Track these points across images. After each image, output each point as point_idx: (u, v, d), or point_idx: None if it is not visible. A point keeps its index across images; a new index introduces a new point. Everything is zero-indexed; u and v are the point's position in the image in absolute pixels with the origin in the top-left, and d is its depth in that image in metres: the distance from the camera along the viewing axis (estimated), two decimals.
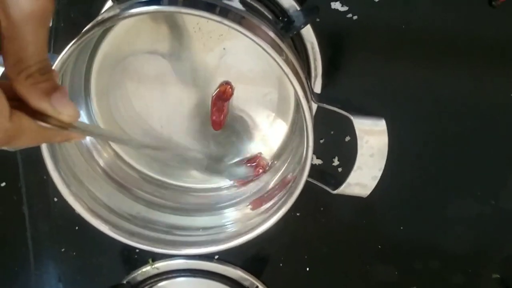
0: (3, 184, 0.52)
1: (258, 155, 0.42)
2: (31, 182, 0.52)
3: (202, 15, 0.30)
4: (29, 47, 0.23)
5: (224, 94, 0.40)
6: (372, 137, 0.33)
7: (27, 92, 0.23)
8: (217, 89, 0.40)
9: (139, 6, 0.30)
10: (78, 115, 0.25)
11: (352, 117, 0.33)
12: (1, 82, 0.23)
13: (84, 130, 0.27)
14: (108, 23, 0.29)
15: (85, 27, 0.42)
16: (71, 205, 0.35)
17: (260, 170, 0.42)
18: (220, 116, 0.40)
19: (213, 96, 0.40)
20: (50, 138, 0.26)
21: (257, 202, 0.40)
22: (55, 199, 0.51)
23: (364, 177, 0.34)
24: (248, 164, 0.42)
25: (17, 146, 0.24)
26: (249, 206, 0.41)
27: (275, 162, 0.42)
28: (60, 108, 0.24)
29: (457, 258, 0.51)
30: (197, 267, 0.52)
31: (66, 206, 0.47)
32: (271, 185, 0.40)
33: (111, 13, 0.30)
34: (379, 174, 0.34)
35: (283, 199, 0.36)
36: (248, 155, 0.42)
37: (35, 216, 0.54)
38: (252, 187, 0.43)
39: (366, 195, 0.35)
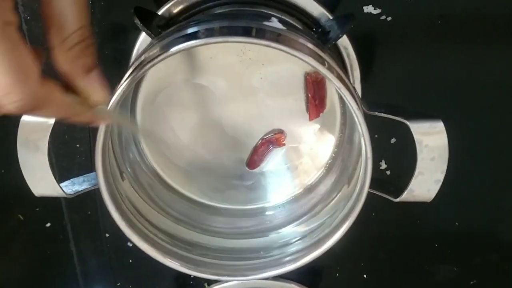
0: (48, 224, 0.53)
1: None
2: (76, 220, 0.52)
3: (242, 41, 0.30)
4: (69, 11, 0.22)
5: (276, 141, 0.40)
6: (431, 141, 0.32)
7: (65, 64, 0.23)
8: (271, 134, 0.40)
9: (183, 41, 0.30)
10: (108, 100, 0.24)
11: (408, 122, 0.32)
12: (34, 47, 0.23)
13: (111, 116, 0.26)
14: (157, 62, 0.29)
15: (121, 63, 0.42)
16: (136, 243, 0.35)
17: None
18: (260, 159, 0.40)
19: (264, 138, 0.40)
20: (75, 115, 0.25)
21: None
22: (107, 235, 0.51)
23: (426, 182, 0.33)
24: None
25: (40, 114, 0.23)
26: None
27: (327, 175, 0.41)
28: (94, 89, 0.23)
29: None
30: (253, 286, 0.52)
31: (118, 241, 0.47)
32: (327, 199, 0.40)
33: (156, 51, 0.30)
34: (442, 177, 0.33)
35: (345, 213, 0.35)
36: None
37: (83, 253, 0.54)
38: (305, 202, 0.42)
39: (430, 200, 0.35)
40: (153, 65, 0.30)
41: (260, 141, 0.41)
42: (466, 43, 0.42)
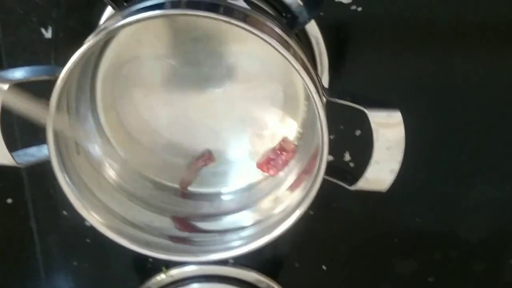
0: (10, 200, 0.52)
1: (283, 139, 0.41)
2: (38, 196, 0.51)
3: (207, 16, 0.29)
4: None
5: (206, 161, 0.41)
6: (388, 130, 0.32)
7: None
8: (199, 156, 0.41)
9: (142, 12, 0.29)
10: None
11: (366, 110, 0.32)
12: None
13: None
14: (113, 31, 0.29)
15: (85, 36, 0.41)
16: (86, 218, 0.34)
17: (290, 154, 0.41)
18: (191, 178, 0.41)
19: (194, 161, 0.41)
20: None
21: None
22: (65, 213, 0.50)
23: (381, 171, 0.33)
24: (278, 153, 0.41)
25: None
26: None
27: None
28: None
29: (476, 246, 0.51)
30: (212, 273, 0.52)
31: (76, 219, 0.46)
32: (286, 185, 0.40)
33: (114, 21, 0.30)
34: (397, 167, 0.33)
35: (299, 199, 0.35)
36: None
37: (44, 231, 0.53)
38: (265, 186, 0.42)
39: (385, 190, 0.35)
40: (111, 33, 0.29)
41: (190, 163, 0.41)
42: (434, 35, 0.42)
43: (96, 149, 0.38)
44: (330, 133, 0.46)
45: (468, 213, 0.50)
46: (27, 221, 0.53)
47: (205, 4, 0.30)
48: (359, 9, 0.41)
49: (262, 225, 0.37)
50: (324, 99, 0.34)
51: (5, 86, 0.31)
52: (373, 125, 0.32)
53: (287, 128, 0.41)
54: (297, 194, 0.38)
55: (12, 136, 0.46)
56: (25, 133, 0.46)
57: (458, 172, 0.48)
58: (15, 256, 0.55)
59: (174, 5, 0.29)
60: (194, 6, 0.30)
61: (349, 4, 0.41)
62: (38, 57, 0.44)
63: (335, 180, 0.35)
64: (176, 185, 0.42)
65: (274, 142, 0.42)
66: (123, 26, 0.29)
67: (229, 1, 0.32)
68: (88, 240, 0.51)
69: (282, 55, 0.30)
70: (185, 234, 0.38)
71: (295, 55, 0.32)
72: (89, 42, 0.29)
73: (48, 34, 0.43)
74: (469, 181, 0.48)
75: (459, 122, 0.45)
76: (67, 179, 0.33)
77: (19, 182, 0.50)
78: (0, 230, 0.54)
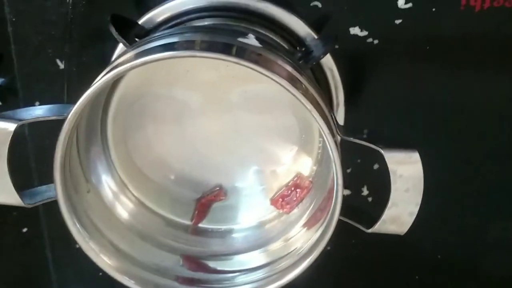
0: (25, 229, 0.52)
1: (297, 175, 0.40)
2: (53, 226, 0.51)
3: (218, 58, 0.29)
4: None
5: (215, 197, 0.40)
6: (406, 171, 0.31)
7: None
8: (209, 192, 0.41)
9: (153, 53, 0.29)
10: None
11: (382, 151, 0.31)
12: None
13: None
14: (122, 72, 0.28)
15: (97, 70, 0.41)
16: (94, 261, 0.34)
17: (305, 191, 0.40)
18: (202, 215, 0.40)
19: (204, 197, 0.41)
20: None
21: None
22: (77, 246, 0.50)
23: (400, 213, 0.32)
24: (292, 189, 0.40)
25: None
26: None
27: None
28: None
29: (498, 283, 0.49)
30: None
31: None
32: (301, 223, 0.38)
33: (124, 60, 0.29)
34: (416, 209, 0.32)
35: (313, 241, 0.34)
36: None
37: (59, 260, 0.53)
38: (278, 224, 0.41)
39: (403, 233, 0.33)
40: (121, 74, 0.29)
41: (201, 199, 0.40)
42: (453, 68, 0.41)
43: (107, 188, 0.38)
44: (347, 166, 0.45)
45: (489, 249, 0.48)
46: (43, 251, 0.52)
47: (217, 45, 0.29)
48: (376, 41, 0.40)
49: (274, 269, 0.35)
50: (339, 138, 0.32)
51: (13, 127, 0.31)
52: (390, 166, 0.31)
53: (302, 164, 0.40)
54: (311, 233, 0.37)
55: (29, 173, 0.46)
56: (42, 170, 0.46)
57: (478, 208, 0.46)
58: (30, 285, 0.55)
59: (186, 47, 0.29)
60: (206, 47, 0.29)
61: (365, 37, 0.40)
62: (53, 87, 0.44)
63: (351, 222, 0.34)
64: (187, 222, 0.41)
65: (288, 178, 0.40)
66: (133, 67, 0.28)
67: (241, 39, 0.32)
68: (100, 274, 0.51)
69: (293, 95, 0.29)
70: (195, 274, 0.37)
71: (306, 93, 0.31)
72: (98, 83, 0.29)
73: (63, 65, 0.43)
74: (489, 217, 0.47)
75: (478, 157, 0.44)
76: (75, 220, 0.33)
77: (34, 211, 0.50)
78: (15, 259, 0.54)
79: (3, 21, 0.42)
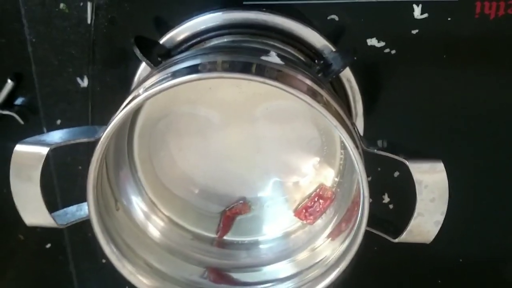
0: (49, 245, 0.53)
1: (320, 186, 0.41)
2: (76, 242, 0.52)
3: (241, 78, 0.30)
4: None
5: (240, 210, 0.41)
6: (431, 181, 0.31)
7: None
8: (234, 204, 0.41)
9: (181, 75, 0.30)
10: None
11: (407, 162, 0.31)
12: None
13: None
14: (151, 95, 0.29)
15: (120, 90, 0.42)
16: (127, 278, 0.35)
17: (328, 201, 0.40)
18: (227, 228, 0.41)
19: (229, 210, 0.41)
20: None
21: None
22: (103, 261, 0.51)
23: (426, 223, 0.32)
24: (316, 200, 0.41)
25: None
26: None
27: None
28: None
29: None
30: None
31: (114, 267, 0.47)
32: (326, 234, 0.39)
33: (154, 82, 0.30)
34: (441, 218, 0.32)
35: (339, 252, 0.35)
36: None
37: (83, 276, 0.53)
38: (303, 235, 0.41)
39: (429, 242, 0.34)
40: (151, 96, 0.30)
41: (225, 212, 0.41)
42: (471, 76, 0.41)
43: (138, 209, 0.39)
44: (367, 175, 0.45)
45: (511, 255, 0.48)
46: (66, 266, 0.53)
47: (237, 65, 0.30)
48: (393, 52, 0.41)
49: (303, 279, 0.36)
50: (362, 150, 0.33)
51: (45, 151, 0.32)
52: (415, 177, 0.31)
53: (324, 175, 0.41)
54: (337, 244, 0.37)
55: (52, 191, 0.47)
56: (65, 188, 0.47)
57: (500, 214, 0.46)
58: None
59: (209, 68, 0.30)
60: (227, 67, 0.30)
61: (382, 48, 0.41)
62: (74, 106, 0.45)
63: (377, 232, 0.34)
64: (213, 235, 0.42)
65: (311, 189, 0.41)
66: (162, 90, 0.29)
67: (264, 57, 0.32)
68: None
69: (316, 109, 0.30)
70: (219, 287, 0.38)
71: (328, 106, 0.31)
72: (130, 105, 0.30)
73: (84, 83, 0.44)
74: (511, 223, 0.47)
75: (500, 164, 0.44)
76: (108, 238, 0.33)
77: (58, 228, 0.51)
78: (39, 274, 0.55)
79: (23, 42, 0.43)
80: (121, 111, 0.31)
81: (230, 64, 0.31)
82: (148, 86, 0.31)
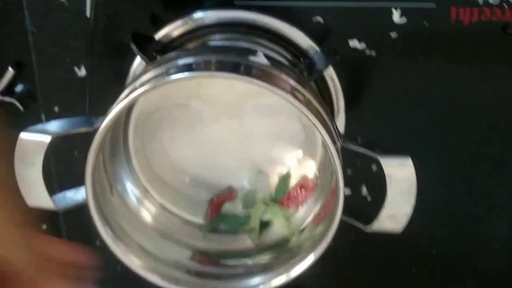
0: (44, 226, 0.54)
1: (302, 178, 0.43)
2: (72, 224, 0.53)
3: (230, 77, 0.32)
4: None
5: (227, 197, 0.43)
6: (400, 176, 0.34)
7: None
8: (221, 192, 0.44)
9: (176, 72, 0.32)
10: None
11: (379, 158, 0.34)
12: None
13: None
14: (147, 92, 0.31)
15: (117, 81, 0.44)
16: (121, 259, 0.37)
17: (309, 191, 0.43)
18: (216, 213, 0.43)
19: (216, 198, 0.44)
20: None
21: None
22: (97, 243, 0.53)
23: (395, 214, 0.35)
24: (298, 190, 0.43)
25: None
26: None
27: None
28: None
29: (493, 278, 0.51)
30: None
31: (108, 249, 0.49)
32: (309, 220, 0.42)
33: (151, 77, 0.32)
34: (410, 210, 0.35)
35: (317, 237, 0.37)
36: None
37: None
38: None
39: (399, 231, 0.36)
40: (148, 92, 0.32)
41: (213, 200, 0.44)
42: (446, 77, 0.43)
43: (132, 194, 0.41)
44: (347, 168, 0.48)
45: (485, 245, 0.50)
46: None
47: (229, 65, 0.33)
48: (373, 53, 0.43)
49: (271, 271, 0.38)
50: (339, 145, 0.36)
51: (48, 139, 0.34)
52: (386, 172, 0.34)
53: (307, 166, 0.44)
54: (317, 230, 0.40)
55: (49, 175, 0.49)
56: (61, 172, 0.48)
57: (471, 207, 0.49)
58: None
59: (203, 67, 0.32)
60: (221, 67, 0.32)
61: (363, 49, 0.43)
62: (71, 94, 0.47)
63: (351, 221, 0.37)
64: (202, 221, 0.45)
65: (294, 180, 0.44)
66: (157, 86, 0.32)
67: (251, 57, 0.35)
68: (119, 269, 0.54)
69: (297, 108, 0.33)
70: (206, 268, 0.40)
71: (309, 105, 0.34)
72: (127, 98, 0.32)
73: (81, 72, 0.46)
74: (485, 212, 0.49)
75: (471, 159, 0.47)
76: (103, 221, 0.36)
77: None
78: None
79: (24, 32, 0.45)
80: (118, 103, 0.33)
81: (221, 64, 0.33)
82: (145, 81, 0.33)
